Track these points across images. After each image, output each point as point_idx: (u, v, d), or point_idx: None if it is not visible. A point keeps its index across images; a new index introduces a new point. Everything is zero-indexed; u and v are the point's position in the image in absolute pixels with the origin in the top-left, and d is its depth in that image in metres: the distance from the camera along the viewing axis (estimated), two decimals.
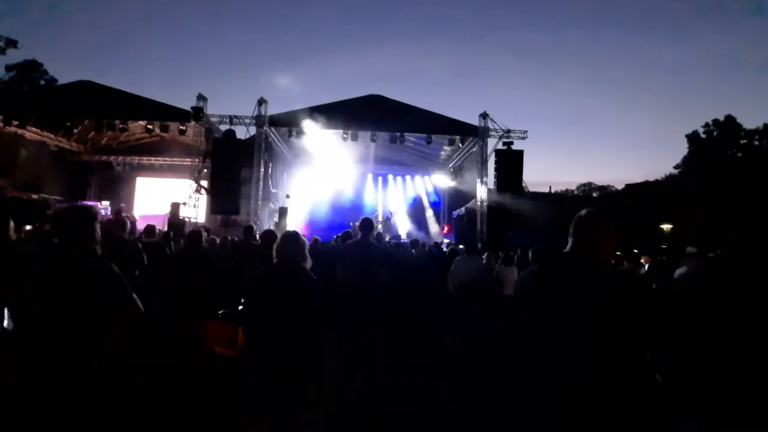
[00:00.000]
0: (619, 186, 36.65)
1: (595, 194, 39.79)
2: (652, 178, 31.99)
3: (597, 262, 1.68)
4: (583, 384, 1.52)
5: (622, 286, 1.59)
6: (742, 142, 27.91)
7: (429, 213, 20.09)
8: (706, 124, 28.91)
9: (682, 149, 30.19)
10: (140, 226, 8.96)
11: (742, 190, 20.21)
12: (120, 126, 14.32)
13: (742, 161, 26.57)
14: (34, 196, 13.75)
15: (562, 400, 1.56)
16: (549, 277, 1.74)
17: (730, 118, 28.05)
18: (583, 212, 1.78)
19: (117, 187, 18.36)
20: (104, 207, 15.02)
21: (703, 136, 28.98)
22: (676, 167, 30.41)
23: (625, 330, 1.50)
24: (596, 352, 1.52)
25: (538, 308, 1.71)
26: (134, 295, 1.95)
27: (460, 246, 8.63)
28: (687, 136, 29.59)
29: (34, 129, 14.96)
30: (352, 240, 4.76)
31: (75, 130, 16.37)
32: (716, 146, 27.82)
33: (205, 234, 5.87)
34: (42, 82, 24.44)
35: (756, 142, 27.43)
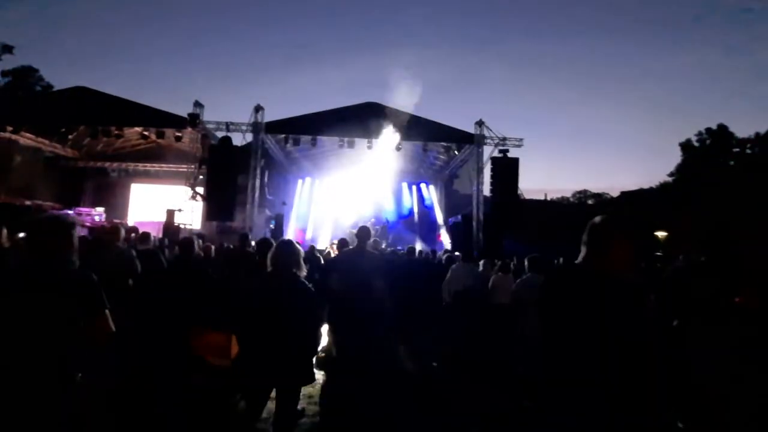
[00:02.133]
0: (614, 193, 36.90)
1: (590, 201, 39.99)
2: (646, 186, 32.25)
3: (612, 273, 1.53)
4: (602, 397, 1.44)
5: (639, 299, 1.50)
6: (734, 150, 28.25)
7: (425, 220, 20.09)
8: (699, 133, 29.28)
9: (676, 157, 30.53)
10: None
11: (734, 198, 20.39)
12: (115, 132, 14.29)
13: (735, 170, 26.86)
14: (28, 203, 13.64)
15: (578, 410, 1.49)
16: (561, 291, 1.61)
17: (722, 127, 28.41)
18: (597, 220, 1.61)
19: (112, 193, 18.26)
20: (99, 213, 14.92)
21: (696, 144, 29.32)
22: (669, 175, 30.71)
23: (642, 342, 1.43)
24: (613, 364, 1.44)
25: (551, 323, 1.61)
26: (107, 311, 1.91)
27: (456, 253, 8.62)
28: (680, 144, 29.95)
29: (28, 135, 14.89)
30: (348, 248, 4.74)
31: (70, 136, 16.30)
32: (709, 155, 28.12)
33: (200, 241, 5.83)
34: (38, 88, 24.37)
35: (748, 151, 27.76)
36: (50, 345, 1.79)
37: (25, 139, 14.93)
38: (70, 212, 13.86)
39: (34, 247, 1.89)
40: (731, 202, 19.49)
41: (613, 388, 1.44)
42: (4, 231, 3.87)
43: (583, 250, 1.60)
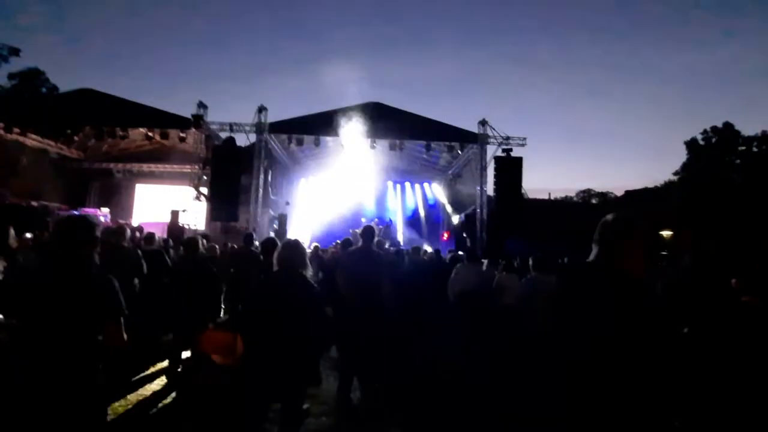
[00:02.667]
0: (619, 193, 36.65)
1: (594, 201, 39.77)
2: (651, 185, 32.02)
3: (624, 272, 1.50)
4: (621, 403, 1.41)
5: (650, 298, 1.49)
6: (740, 148, 28.01)
7: (429, 220, 20.08)
8: (705, 131, 29.02)
9: (681, 156, 30.30)
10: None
11: (741, 196, 20.24)
12: (120, 133, 14.37)
13: (741, 168, 26.64)
14: (34, 203, 13.73)
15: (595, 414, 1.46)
16: (574, 289, 1.58)
17: (728, 125, 28.18)
18: (609, 218, 1.59)
19: (116, 194, 18.37)
20: (104, 214, 15.01)
21: (701, 143, 29.08)
22: (675, 174, 30.48)
23: (651, 340, 1.41)
24: (623, 362, 1.41)
25: (563, 321, 1.57)
26: (122, 318, 1.90)
27: (460, 253, 8.61)
28: (686, 142, 29.70)
29: (34, 136, 15.01)
30: (353, 247, 4.75)
31: (75, 138, 16.40)
32: (715, 153, 27.91)
33: (204, 241, 5.85)
34: (43, 90, 24.52)
35: (755, 149, 27.52)
36: (66, 344, 1.81)
37: (32, 140, 15.05)
38: (75, 213, 13.95)
39: (58, 246, 1.92)
40: (737, 201, 19.35)
41: (620, 387, 1.43)
42: (12, 231, 3.91)
43: (595, 248, 1.58)
